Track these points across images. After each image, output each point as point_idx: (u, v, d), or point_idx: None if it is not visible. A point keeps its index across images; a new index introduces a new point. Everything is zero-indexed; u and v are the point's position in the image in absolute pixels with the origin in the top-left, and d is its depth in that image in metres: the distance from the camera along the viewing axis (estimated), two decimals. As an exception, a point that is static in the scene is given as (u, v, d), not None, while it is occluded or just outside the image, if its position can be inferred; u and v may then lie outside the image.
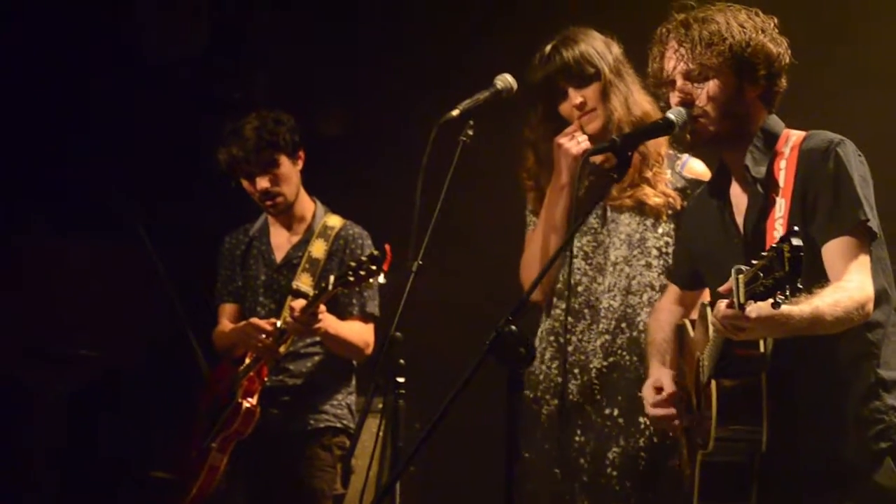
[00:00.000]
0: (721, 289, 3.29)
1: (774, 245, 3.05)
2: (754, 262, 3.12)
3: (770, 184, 3.59)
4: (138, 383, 7.03)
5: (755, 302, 3.14)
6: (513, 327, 3.18)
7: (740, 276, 3.16)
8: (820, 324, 3.34)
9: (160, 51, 7.29)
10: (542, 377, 4.48)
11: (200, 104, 6.96)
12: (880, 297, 3.51)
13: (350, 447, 4.93)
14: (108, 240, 7.04)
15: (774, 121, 3.69)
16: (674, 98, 3.66)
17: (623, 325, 4.40)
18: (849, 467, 3.51)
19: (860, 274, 3.44)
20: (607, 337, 4.40)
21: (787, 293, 3.02)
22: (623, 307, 4.41)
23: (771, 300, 3.06)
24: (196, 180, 6.51)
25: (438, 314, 6.19)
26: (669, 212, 4.43)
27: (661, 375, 3.87)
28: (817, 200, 3.51)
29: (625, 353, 4.39)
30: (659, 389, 3.84)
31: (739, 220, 3.68)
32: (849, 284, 3.40)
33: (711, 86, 3.60)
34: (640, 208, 4.43)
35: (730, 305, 3.24)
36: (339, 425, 5.28)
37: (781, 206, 3.53)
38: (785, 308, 3.13)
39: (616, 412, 4.36)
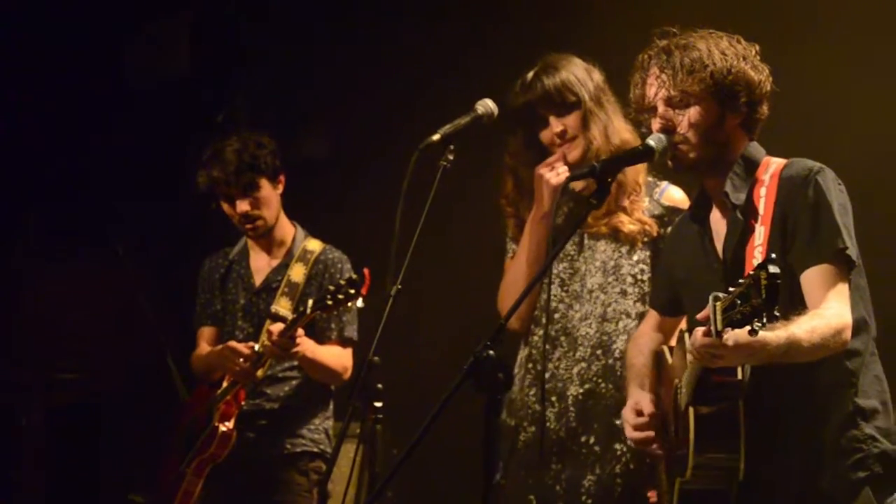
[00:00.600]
0: (699, 316, 3.28)
1: (751, 272, 3.05)
2: (732, 289, 3.11)
3: (750, 210, 3.59)
4: (116, 406, 6.99)
5: (732, 329, 3.13)
6: (490, 352, 3.15)
7: (717, 304, 3.15)
8: (796, 350, 3.33)
9: (142, 74, 7.28)
10: (519, 404, 4.46)
11: (182, 127, 6.93)
12: (859, 326, 3.51)
13: (326, 472, 4.90)
14: (88, 262, 7.01)
15: (755, 148, 3.69)
16: (655, 124, 3.65)
17: (599, 352, 4.39)
18: (827, 497, 3.49)
19: (838, 302, 3.44)
20: (583, 364, 4.39)
21: (764, 321, 3.01)
22: (599, 334, 4.39)
23: (748, 327, 3.05)
24: (177, 202, 6.48)
25: (417, 339, 6.17)
26: (645, 239, 4.42)
27: (640, 398, 3.85)
28: (796, 228, 3.51)
29: (601, 380, 4.37)
30: (639, 412, 3.82)
31: (719, 246, 3.68)
32: (826, 312, 3.40)
33: (692, 112, 3.60)
34: (616, 235, 4.42)
35: (707, 333, 3.23)
36: (315, 450, 5.24)
37: (761, 234, 3.53)
38: (761, 335, 3.12)
39: (592, 440, 4.34)
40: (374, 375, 4.06)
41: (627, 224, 4.41)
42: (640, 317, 4.37)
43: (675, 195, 4.47)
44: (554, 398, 4.38)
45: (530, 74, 4.45)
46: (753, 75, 3.61)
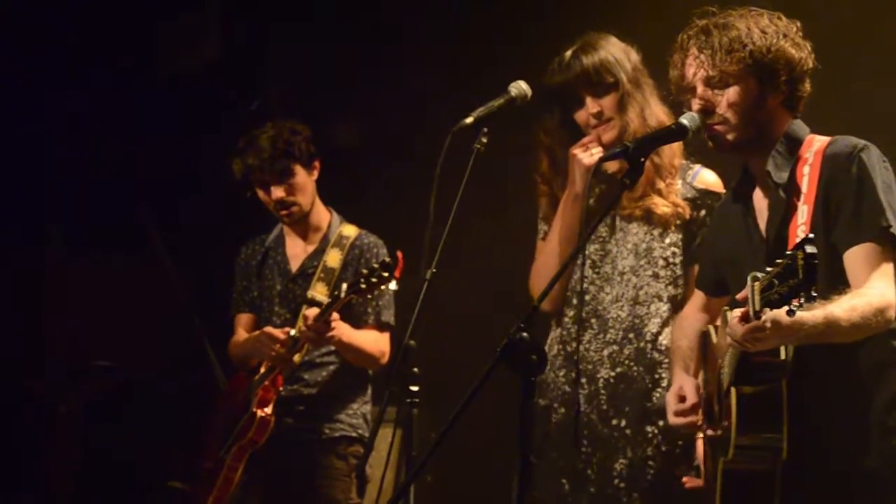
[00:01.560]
0: (738, 296, 3.27)
1: (788, 252, 3.03)
2: (769, 269, 3.09)
3: (792, 189, 3.55)
4: (155, 394, 7.01)
5: (770, 309, 3.11)
6: (524, 334, 3.14)
7: (756, 284, 3.14)
8: (835, 329, 3.29)
9: (173, 62, 7.29)
10: (551, 385, 4.44)
11: (216, 114, 6.94)
12: (906, 305, 3.47)
13: (364, 456, 4.90)
14: (126, 252, 7.05)
15: (798, 125, 3.64)
16: (695, 105, 3.62)
17: (631, 335, 4.35)
18: (874, 475, 3.46)
19: (882, 281, 3.39)
20: (615, 347, 4.36)
21: (802, 300, 2.99)
22: (631, 317, 4.36)
23: (786, 307, 3.03)
24: (211, 190, 6.49)
25: (453, 322, 6.15)
26: (677, 222, 4.38)
27: (684, 383, 3.82)
28: (840, 206, 3.47)
29: (632, 363, 4.34)
30: (682, 398, 3.78)
31: (762, 225, 3.64)
32: (869, 291, 3.36)
33: (732, 92, 3.56)
34: (649, 218, 4.39)
35: (744, 315, 3.21)
36: (354, 434, 5.25)
37: (804, 212, 3.49)
38: (798, 315, 3.09)
39: (623, 423, 4.31)
40: (410, 359, 4.05)
41: (661, 206, 4.37)
42: (672, 300, 4.35)
43: (707, 178, 4.43)
44: (584, 380, 4.35)
45: (568, 53, 4.41)
46: (794, 53, 3.57)
